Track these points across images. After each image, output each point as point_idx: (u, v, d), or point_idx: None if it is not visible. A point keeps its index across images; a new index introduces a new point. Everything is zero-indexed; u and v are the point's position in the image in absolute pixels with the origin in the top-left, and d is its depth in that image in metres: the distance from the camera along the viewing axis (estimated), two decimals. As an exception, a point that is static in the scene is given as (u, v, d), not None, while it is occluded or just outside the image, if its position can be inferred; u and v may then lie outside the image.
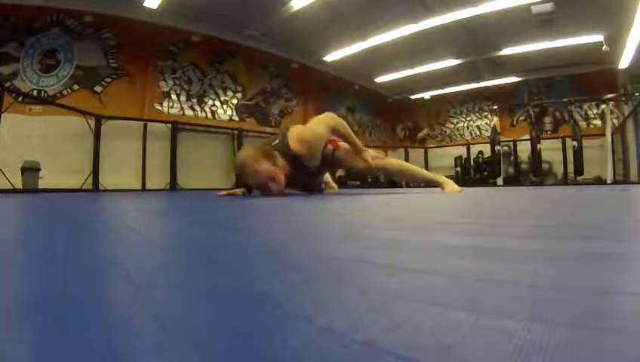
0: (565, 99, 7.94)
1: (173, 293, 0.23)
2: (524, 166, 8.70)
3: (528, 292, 0.21)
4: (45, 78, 5.18)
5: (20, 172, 4.08)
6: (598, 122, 8.06)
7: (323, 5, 5.65)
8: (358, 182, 7.85)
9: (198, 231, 0.60)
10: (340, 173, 5.92)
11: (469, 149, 9.11)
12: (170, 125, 5.90)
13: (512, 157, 8.66)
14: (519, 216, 0.76)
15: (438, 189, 2.36)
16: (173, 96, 6.39)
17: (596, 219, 0.66)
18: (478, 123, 9.74)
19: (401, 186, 7.05)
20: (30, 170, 4.17)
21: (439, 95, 9.80)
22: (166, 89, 6.32)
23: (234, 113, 7.16)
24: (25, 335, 0.16)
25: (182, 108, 6.46)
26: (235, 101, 7.20)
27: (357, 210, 0.98)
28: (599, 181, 7.18)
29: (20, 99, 4.38)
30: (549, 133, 8.54)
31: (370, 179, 8.23)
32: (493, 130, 8.40)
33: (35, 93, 5.02)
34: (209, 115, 6.80)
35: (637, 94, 6.33)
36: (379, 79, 9.12)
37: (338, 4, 5.70)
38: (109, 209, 1.23)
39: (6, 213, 1.08)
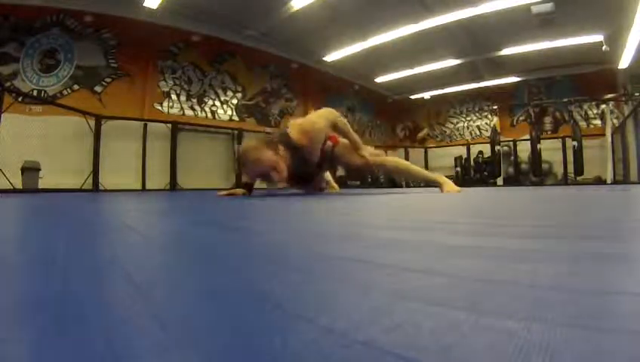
0: (565, 99, 7.94)
1: (173, 293, 0.23)
2: (524, 166, 8.70)
3: (528, 292, 0.21)
4: (45, 78, 5.18)
5: (20, 172, 4.08)
6: (598, 122, 8.07)
7: (323, 5, 5.65)
8: (358, 182, 7.85)
9: (198, 231, 0.60)
10: (340, 173, 5.92)
11: (469, 149, 9.11)
12: (170, 125, 5.90)
13: (512, 157, 8.66)
14: (519, 216, 0.76)
15: (437, 189, 2.36)
16: (173, 96, 6.39)
17: (596, 219, 0.66)
18: (478, 123, 9.74)
19: (401, 186, 7.06)
20: (30, 170, 4.17)
21: (439, 95, 9.80)
22: (166, 89, 6.32)
23: (234, 113, 7.16)
24: (25, 335, 0.16)
25: (182, 108, 6.46)
26: (235, 101, 7.20)
27: (358, 210, 0.98)
28: (599, 181, 7.18)
29: (20, 99, 4.37)
30: (549, 133, 8.54)
31: (370, 179, 8.23)
32: (493, 130, 8.40)
33: (35, 93, 5.02)
34: (209, 115, 6.81)
35: (637, 94, 6.33)
36: (379, 79, 9.12)
37: (338, 4, 5.70)
38: (109, 209, 1.23)
39: (6, 213, 1.08)
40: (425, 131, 10.55)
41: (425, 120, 10.55)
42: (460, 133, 10.00)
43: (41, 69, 5.15)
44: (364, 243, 0.42)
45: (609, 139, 7.10)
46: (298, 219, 0.80)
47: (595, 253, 0.33)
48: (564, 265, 0.28)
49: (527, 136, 8.11)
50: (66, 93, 5.29)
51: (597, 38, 6.45)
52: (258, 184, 2.47)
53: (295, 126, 2.11)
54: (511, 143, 8.59)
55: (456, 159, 9.12)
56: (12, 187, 3.78)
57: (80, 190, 4.71)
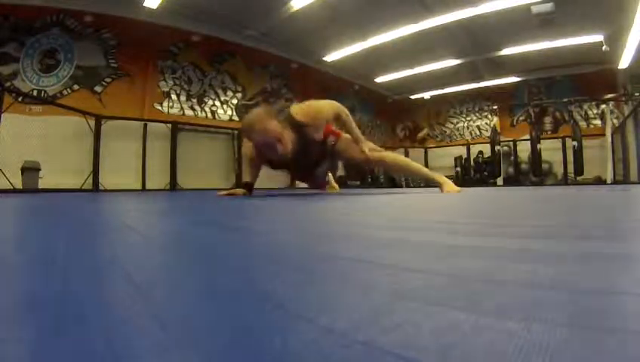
0: (565, 99, 7.94)
1: (173, 293, 0.23)
2: (524, 166, 8.70)
3: (528, 292, 0.21)
4: (45, 78, 5.18)
5: (20, 172, 4.07)
6: (598, 122, 8.06)
7: (323, 5, 5.65)
8: (358, 182, 7.85)
9: (198, 231, 0.60)
10: (340, 173, 5.93)
11: (469, 149, 9.11)
12: (170, 125, 5.90)
13: (512, 158, 8.65)
14: (519, 216, 0.76)
15: (437, 189, 2.36)
16: (173, 96, 6.39)
17: (596, 219, 0.66)
18: (478, 123, 9.74)
19: (401, 186, 7.06)
20: (30, 170, 4.17)
21: (439, 95, 9.79)
22: (166, 89, 6.31)
23: (234, 113, 7.16)
24: (25, 335, 0.16)
25: (182, 108, 6.45)
26: (235, 101, 7.20)
27: (358, 210, 0.98)
28: (599, 181, 7.18)
29: (20, 99, 4.37)
30: (549, 133, 8.54)
31: (370, 179, 8.23)
32: (493, 130, 8.40)
33: (35, 93, 5.02)
34: (209, 115, 6.80)
35: (637, 94, 6.32)
36: (379, 79, 9.12)
37: (338, 4, 5.70)
38: (109, 209, 1.23)
39: (6, 213, 1.08)
40: (425, 131, 10.55)
41: (425, 120, 10.55)
42: (459, 133, 10.00)
43: (41, 69, 5.15)
44: (364, 243, 0.42)
45: (609, 139, 7.10)
46: (298, 219, 0.80)
47: (595, 253, 0.33)
48: (564, 265, 0.28)
49: (527, 136, 8.11)
50: (66, 93, 5.29)
51: (597, 38, 6.45)
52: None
53: (297, 107, 2.13)
54: (511, 143, 8.58)
55: (456, 159, 9.12)
56: (12, 187, 3.78)
57: (80, 190, 4.71)
